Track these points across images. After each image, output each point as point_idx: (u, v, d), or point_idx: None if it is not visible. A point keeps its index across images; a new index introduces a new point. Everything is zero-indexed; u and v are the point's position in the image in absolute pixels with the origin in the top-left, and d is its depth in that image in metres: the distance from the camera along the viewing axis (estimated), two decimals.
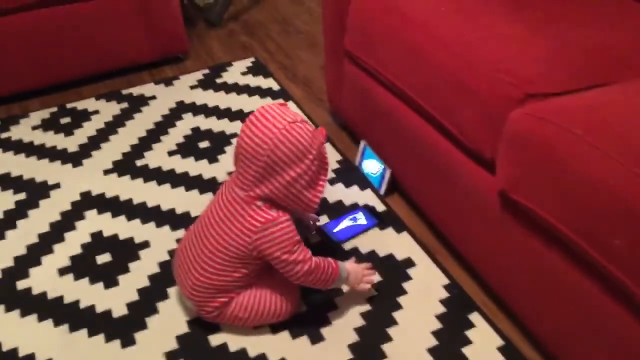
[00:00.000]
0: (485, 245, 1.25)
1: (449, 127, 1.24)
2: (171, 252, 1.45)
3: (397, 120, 1.47)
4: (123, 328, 1.30)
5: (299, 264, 1.17)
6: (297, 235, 1.17)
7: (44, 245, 1.50)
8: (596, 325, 1.01)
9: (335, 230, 1.50)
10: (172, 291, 1.37)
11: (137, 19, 2.08)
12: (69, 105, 2.04)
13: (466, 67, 1.18)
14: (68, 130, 1.92)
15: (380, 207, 1.58)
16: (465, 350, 1.22)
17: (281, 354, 1.23)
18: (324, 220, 1.55)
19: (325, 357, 1.23)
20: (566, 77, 1.12)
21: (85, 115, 1.99)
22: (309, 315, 1.31)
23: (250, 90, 2.08)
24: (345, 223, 1.52)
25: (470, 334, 1.26)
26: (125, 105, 2.03)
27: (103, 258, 1.46)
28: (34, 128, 1.94)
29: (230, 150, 1.79)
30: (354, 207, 1.58)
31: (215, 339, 1.27)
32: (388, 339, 1.25)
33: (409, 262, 1.42)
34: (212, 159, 1.76)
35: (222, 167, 1.73)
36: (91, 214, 1.59)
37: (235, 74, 2.18)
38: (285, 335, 1.27)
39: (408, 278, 1.38)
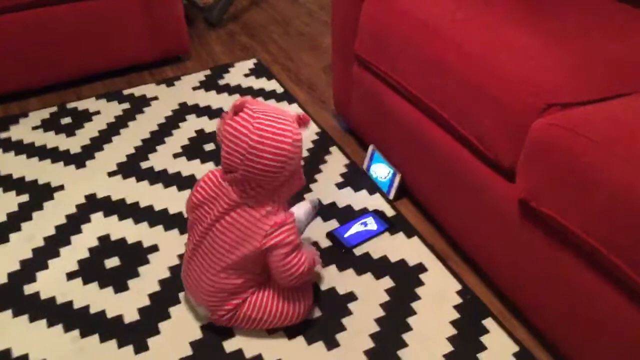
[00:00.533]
0: (500, 253, 1.26)
1: (466, 135, 1.25)
2: (181, 256, 1.44)
3: (409, 126, 1.47)
4: (135, 334, 1.28)
5: (298, 266, 1.17)
6: (298, 239, 1.17)
7: (50, 249, 1.48)
8: (618, 335, 1.02)
9: (346, 235, 1.50)
10: (183, 296, 1.36)
11: (140, 18, 2.06)
12: (69, 105, 2.01)
13: (486, 75, 1.19)
14: (69, 131, 1.89)
15: (389, 212, 1.58)
16: (481, 356, 1.23)
17: None
18: (333, 224, 1.54)
19: None
20: (587, 86, 1.13)
21: (86, 116, 1.96)
22: (323, 320, 1.31)
23: (253, 93, 2.07)
24: (356, 228, 1.52)
25: (484, 339, 1.26)
26: (126, 105, 2.01)
27: (112, 262, 1.44)
28: (34, 128, 1.91)
29: None
30: (364, 212, 1.58)
31: (229, 345, 1.26)
32: (404, 344, 1.25)
33: (421, 268, 1.42)
34: (219, 162, 1.74)
35: None
36: (97, 217, 1.57)
37: (237, 75, 2.17)
38: (300, 341, 1.27)
39: (420, 284, 1.38)
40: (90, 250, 1.47)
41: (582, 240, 1.01)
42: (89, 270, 1.42)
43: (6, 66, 1.95)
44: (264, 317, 1.23)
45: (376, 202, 1.62)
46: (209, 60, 2.30)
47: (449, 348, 1.25)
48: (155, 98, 2.04)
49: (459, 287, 1.37)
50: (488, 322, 1.29)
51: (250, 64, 2.24)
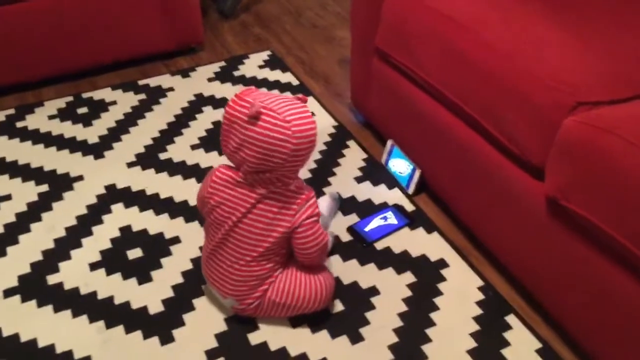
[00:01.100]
0: (525, 250, 1.26)
1: (493, 132, 1.25)
2: (202, 248, 1.44)
3: (432, 121, 1.47)
4: (160, 325, 1.29)
5: (323, 235, 1.21)
6: (318, 209, 1.22)
7: (72, 239, 1.48)
8: None
9: (366, 230, 1.51)
10: (205, 288, 1.36)
11: (156, 7, 2.05)
12: (84, 95, 2.01)
13: (514, 72, 1.19)
14: (86, 121, 1.88)
15: (408, 207, 1.59)
16: (504, 352, 1.24)
17: (322, 354, 1.24)
18: (354, 219, 1.55)
19: (366, 357, 1.23)
20: (616, 84, 1.13)
21: (102, 106, 1.95)
22: (346, 314, 1.31)
23: (269, 85, 2.07)
24: (376, 222, 1.53)
25: (507, 335, 1.27)
26: (142, 96, 2.00)
27: (134, 253, 1.45)
28: (51, 117, 1.90)
29: None
30: (383, 207, 1.59)
31: (254, 338, 1.27)
32: (427, 339, 1.27)
33: (442, 263, 1.43)
34: None
35: None
36: (118, 208, 1.57)
37: (252, 67, 2.17)
38: (324, 334, 1.28)
39: (442, 279, 1.39)
40: (112, 240, 1.48)
41: (613, 239, 1.01)
42: (112, 260, 1.43)
43: (20, 55, 1.94)
44: (287, 302, 1.24)
45: (395, 196, 1.62)
46: (223, 51, 2.30)
47: (472, 344, 1.26)
48: (171, 89, 2.04)
49: (480, 283, 1.38)
50: (510, 318, 1.31)
51: (264, 55, 2.24)
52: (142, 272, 1.40)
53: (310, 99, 1.99)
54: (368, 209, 1.58)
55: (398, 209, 1.57)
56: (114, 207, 1.57)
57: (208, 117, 1.91)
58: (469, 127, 1.35)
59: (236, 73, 2.13)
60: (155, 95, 2.01)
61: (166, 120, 1.89)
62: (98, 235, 1.49)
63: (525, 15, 1.32)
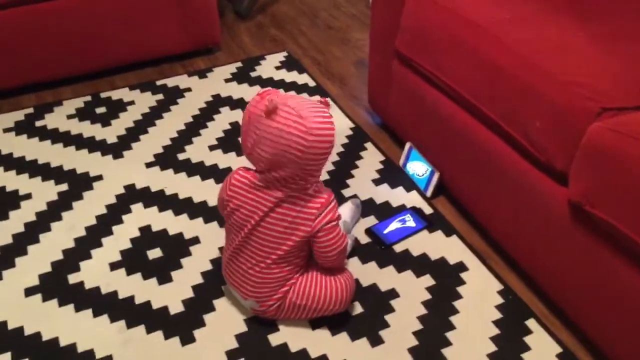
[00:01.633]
0: (547, 255, 1.26)
1: (516, 136, 1.25)
2: (222, 249, 1.45)
3: (452, 124, 1.47)
4: (181, 325, 1.30)
5: (343, 238, 1.21)
6: (338, 213, 1.21)
7: (92, 239, 1.49)
8: None
9: (385, 232, 1.51)
10: (225, 289, 1.37)
11: (173, 8, 2.06)
12: (103, 95, 2.02)
13: (539, 77, 1.19)
14: (105, 121, 1.90)
15: (427, 210, 1.59)
16: (525, 356, 1.24)
17: (342, 356, 1.24)
18: (372, 221, 1.55)
19: None
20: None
21: (120, 106, 1.97)
22: (366, 317, 1.32)
23: (286, 86, 2.07)
24: (395, 225, 1.53)
25: (528, 340, 1.27)
26: (160, 96, 2.01)
27: (154, 253, 1.45)
28: (69, 117, 1.92)
29: None
30: (401, 209, 1.59)
31: (274, 339, 1.27)
32: (447, 343, 1.27)
33: (462, 267, 1.43)
34: None
35: None
36: (137, 208, 1.58)
37: (269, 68, 2.17)
38: (344, 336, 1.28)
39: (462, 282, 1.39)
40: (132, 240, 1.49)
41: (638, 245, 1.01)
42: (132, 260, 1.44)
43: (39, 55, 1.95)
44: (308, 304, 1.24)
45: (413, 199, 1.62)
46: (239, 51, 2.30)
47: (492, 348, 1.26)
48: (188, 89, 2.05)
49: (500, 286, 1.38)
50: (531, 323, 1.30)
51: (280, 56, 2.24)
52: (162, 272, 1.41)
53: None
54: (386, 211, 1.58)
55: (416, 211, 1.57)
56: (133, 207, 1.58)
57: (226, 118, 1.91)
58: (491, 130, 1.35)
59: (253, 74, 2.13)
60: (173, 95, 2.02)
61: (184, 121, 1.90)
62: (118, 235, 1.50)
63: (550, 20, 1.31)
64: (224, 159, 1.75)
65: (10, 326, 1.29)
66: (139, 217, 1.55)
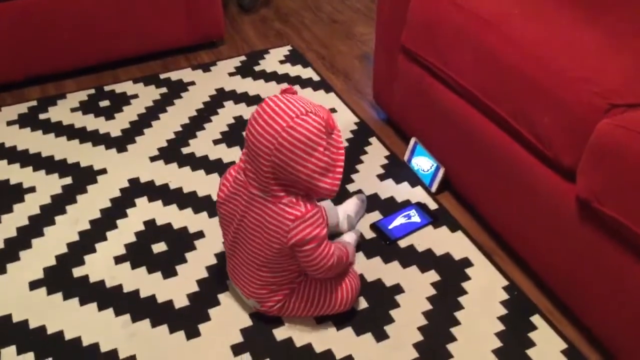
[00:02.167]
0: (553, 251, 1.26)
1: (524, 132, 1.25)
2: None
3: (459, 120, 1.46)
4: (186, 319, 1.29)
5: (327, 259, 1.14)
6: (324, 230, 1.13)
7: (97, 232, 1.49)
8: None
9: (390, 227, 1.51)
10: (230, 284, 1.37)
11: (178, 1, 2.05)
12: (106, 88, 2.01)
13: (547, 73, 1.18)
14: (108, 114, 1.89)
15: (432, 205, 1.58)
16: (530, 352, 1.24)
17: (347, 351, 1.24)
18: (376, 216, 1.55)
19: (391, 355, 1.23)
20: None
21: (124, 99, 1.96)
22: (371, 312, 1.32)
23: (290, 80, 2.06)
24: (400, 220, 1.53)
25: (533, 336, 1.27)
26: (164, 90, 2.01)
27: (159, 247, 1.45)
28: (73, 110, 1.91)
29: None
30: (406, 204, 1.58)
31: (279, 334, 1.27)
32: (452, 338, 1.26)
33: (467, 262, 1.43)
34: None
35: None
36: (142, 202, 1.57)
37: (273, 62, 2.16)
38: (349, 331, 1.28)
39: (466, 278, 1.39)
40: (137, 234, 1.48)
41: None
42: (137, 254, 1.43)
43: (43, 47, 1.95)
44: (312, 305, 1.24)
45: (418, 194, 1.62)
46: (243, 45, 2.30)
47: (497, 344, 1.25)
48: (192, 83, 2.04)
49: (505, 282, 1.38)
50: (536, 319, 1.30)
51: (284, 50, 2.23)
52: (166, 266, 1.41)
53: (332, 96, 1.99)
54: (391, 206, 1.58)
55: (421, 207, 1.57)
56: (137, 200, 1.58)
57: (230, 111, 1.91)
58: (498, 126, 1.35)
59: (257, 68, 2.12)
60: (177, 89, 2.01)
61: (188, 115, 1.89)
62: (123, 228, 1.50)
63: (559, 15, 1.30)
64: (228, 153, 1.74)
65: (15, 319, 1.29)
66: (144, 211, 1.55)
